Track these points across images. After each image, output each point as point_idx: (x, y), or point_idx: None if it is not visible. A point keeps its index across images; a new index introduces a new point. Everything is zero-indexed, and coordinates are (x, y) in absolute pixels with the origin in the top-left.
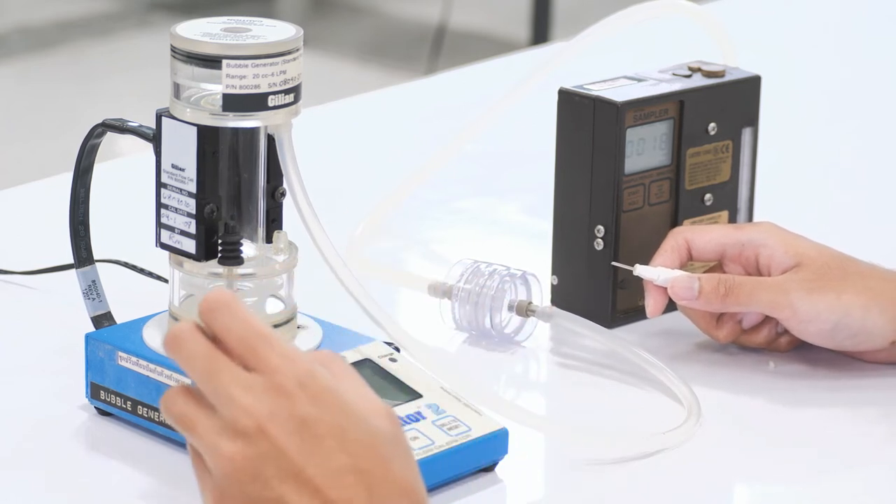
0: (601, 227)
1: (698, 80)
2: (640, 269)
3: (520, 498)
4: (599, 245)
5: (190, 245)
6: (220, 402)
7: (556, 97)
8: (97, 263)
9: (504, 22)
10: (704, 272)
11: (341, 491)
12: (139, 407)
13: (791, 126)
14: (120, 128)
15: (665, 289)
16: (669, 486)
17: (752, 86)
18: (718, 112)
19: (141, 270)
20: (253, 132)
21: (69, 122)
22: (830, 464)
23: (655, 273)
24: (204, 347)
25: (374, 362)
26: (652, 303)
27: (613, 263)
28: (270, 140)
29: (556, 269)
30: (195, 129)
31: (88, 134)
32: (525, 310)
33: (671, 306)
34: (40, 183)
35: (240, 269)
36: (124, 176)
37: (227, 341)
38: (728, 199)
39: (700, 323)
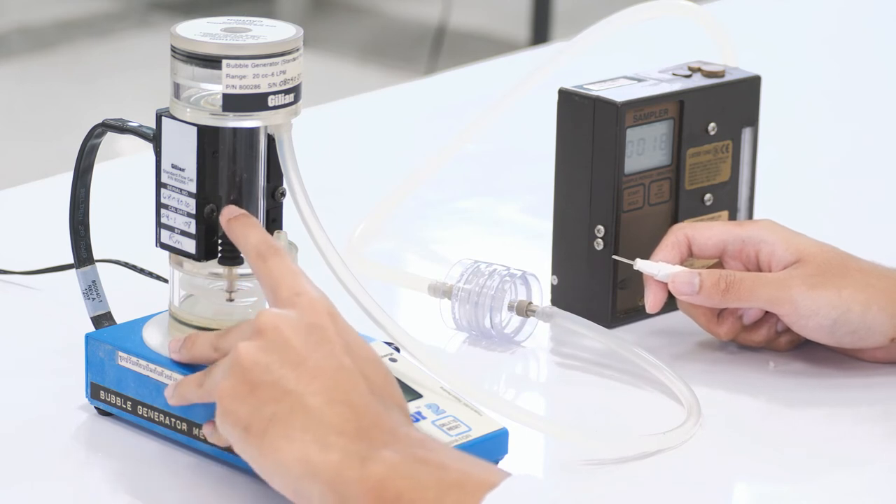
0: (601, 227)
1: (698, 80)
2: (640, 264)
3: None
4: (599, 245)
5: (190, 245)
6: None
7: (556, 97)
8: (97, 263)
9: (504, 22)
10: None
11: (340, 380)
12: (139, 407)
13: (791, 126)
14: (120, 128)
15: (665, 284)
16: (669, 486)
17: (752, 86)
18: (718, 112)
19: (141, 270)
20: (253, 132)
21: (69, 122)
22: (830, 464)
23: (656, 268)
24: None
25: None
26: (652, 298)
27: (614, 257)
28: (270, 140)
29: (556, 269)
30: (195, 129)
31: (88, 134)
32: (525, 310)
33: (671, 306)
34: (40, 183)
35: (240, 269)
36: (124, 176)
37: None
38: (728, 199)
39: (700, 320)
